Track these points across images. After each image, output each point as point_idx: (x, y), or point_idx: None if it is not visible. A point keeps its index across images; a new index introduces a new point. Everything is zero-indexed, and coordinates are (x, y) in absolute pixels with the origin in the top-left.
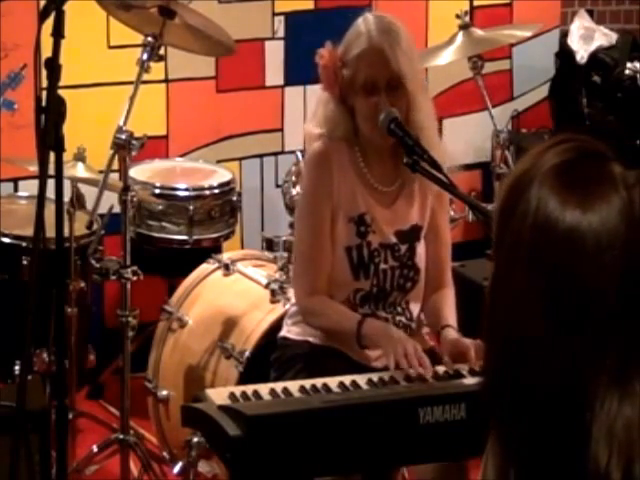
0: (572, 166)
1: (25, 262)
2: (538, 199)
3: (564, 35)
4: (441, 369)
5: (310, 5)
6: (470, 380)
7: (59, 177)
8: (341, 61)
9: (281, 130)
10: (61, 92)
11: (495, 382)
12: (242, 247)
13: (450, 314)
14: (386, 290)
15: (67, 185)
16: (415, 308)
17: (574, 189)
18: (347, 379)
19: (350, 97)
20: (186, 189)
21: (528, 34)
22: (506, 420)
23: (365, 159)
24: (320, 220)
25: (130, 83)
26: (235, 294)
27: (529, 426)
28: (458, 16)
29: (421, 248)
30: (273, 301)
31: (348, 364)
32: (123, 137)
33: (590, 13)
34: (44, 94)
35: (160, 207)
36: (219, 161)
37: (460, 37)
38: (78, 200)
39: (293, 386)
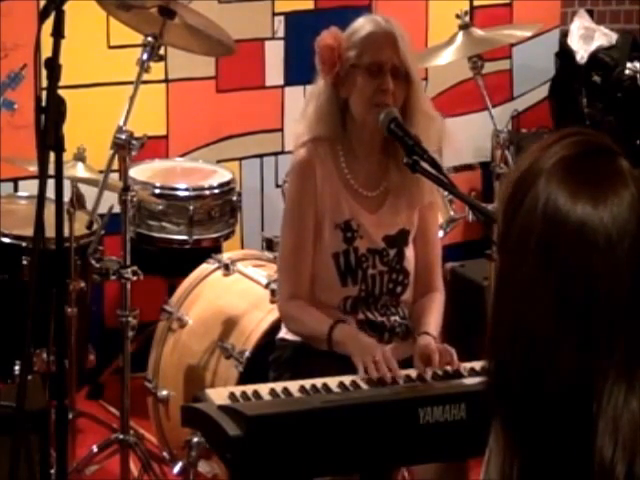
0: (581, 160)
1: (25, 262)
2: (547, 193)
3: (564, 35)
4: (440, 369)
5: (310, 5)
6: (470, 380)
7: (59, 177)
8: (346, 43)
9: (281, 130)
10: (61, 92)
11: (501, 378)
12: (242, 247)
13: (432, 321)
14: (375, 295)
15: (67, 185)
16: (407, 308)
17: (584, 183)
18: (347, 379)
19: (348, 80)
20: (186, 189)
21: (528, 34)
22: (511, 416)
23: (349, 164)
24: (303, 228)
25: (130, 83)
26: (235, 294)
27: (535, 421)
28: (458, 16)
29: (410, 252)
30: (273, 301)
31: (347, 364)
32: (123, 137)
33: (590, 13)
34: (44, 94)
35: (160, 207)
36: (219, 161)
37: (460, 37)
38: (78, 200)
39: (293, 386)
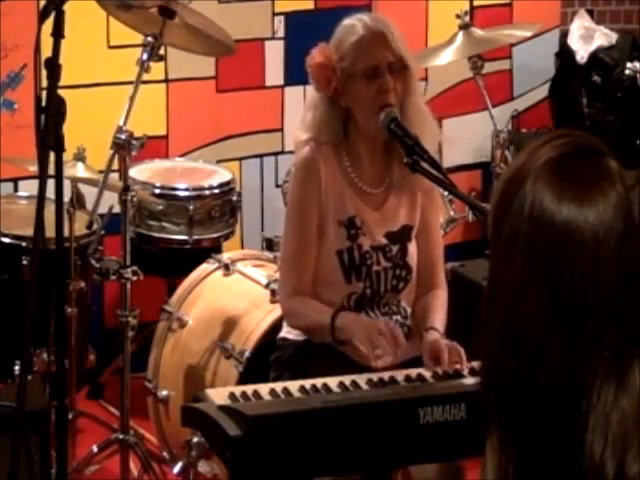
0: (568, 161)
1: (25, 262)
2: (534, 194)
3: (564, 35)
4: (440, 369)
5: (310, 5)
6: (470, 380)
7: (59, 177)
8: (336, 55)
9: (281, 130)
10: (61, 92)
11: (494, 377)
12: (242, 247)
13: (437, 317)
14: (380, 293)
15: (67, 185)
16: (408, 306)
17: (570, 184)
18: (347, 379)
19: (347, 91)
20: (186, 189)
21: (528, 34)
22: (505, 415)
23: (352, 162)
24: (306, 226)
25: (130, 83)
26: (235, 294)
27: (528, 420)
28: (458, 16)
29: (412, 247)
30: (273, 301)
31: (348, 364)
32: (123, 137)
33: (590, 13)
34: (44, 94)
35: (160, 207)
36: (219, 161)
37: (460, 37)
38: (78, 200)
39: (293, 386)
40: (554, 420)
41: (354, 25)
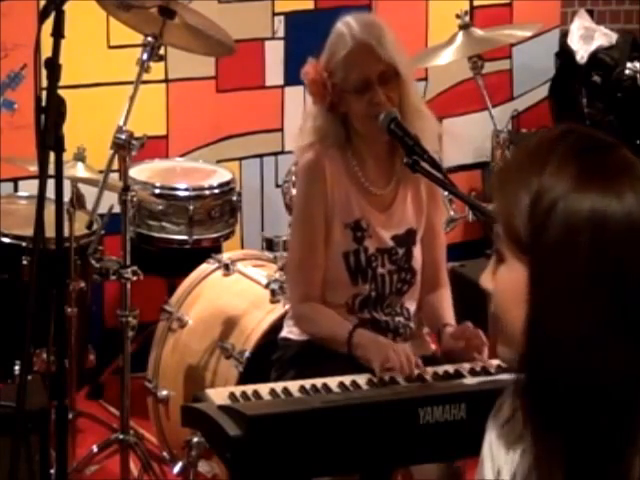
0: (593, 157)
1: (25, 262)
2: (580, 202)
3: (564, 35)
4: (441, 369)
5: (310, 5)
6: (470, 380)
7: (59, 177)
8: (327, 70)
9: (281, 130)
10: (61, 92)
11: (545, 383)
12: (242, 247)
13: (449, 313)
14: (385, 295)
15: (67, 185)
16: (411, 307)
17: (612, 179)
18: (347, 379)
19: (343, 102)
20: (186, 189)
21: (528, 34)
22: (559, 418)
23: (359, 162)
24: (313, 229)
25: (130, 83)
26: (235, 294)
27: (580, 426)
28: (458, 16)
29: (417, 251)
30: (273, 301)
31: (349, 364)
32: (123, 137)
33: (590, 13)
34: (44, 94)
35: (160, 207)
36: (219, 161)
37: (460, 37)
38: (78, 200)
39: (293, 386)
40: (606, 430)
41: (343, 35)
